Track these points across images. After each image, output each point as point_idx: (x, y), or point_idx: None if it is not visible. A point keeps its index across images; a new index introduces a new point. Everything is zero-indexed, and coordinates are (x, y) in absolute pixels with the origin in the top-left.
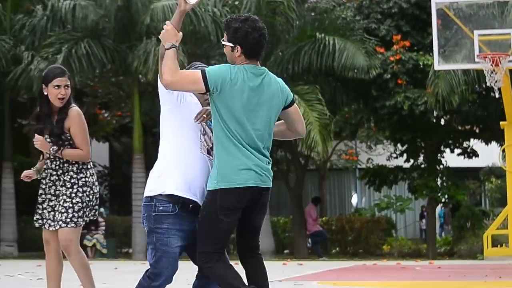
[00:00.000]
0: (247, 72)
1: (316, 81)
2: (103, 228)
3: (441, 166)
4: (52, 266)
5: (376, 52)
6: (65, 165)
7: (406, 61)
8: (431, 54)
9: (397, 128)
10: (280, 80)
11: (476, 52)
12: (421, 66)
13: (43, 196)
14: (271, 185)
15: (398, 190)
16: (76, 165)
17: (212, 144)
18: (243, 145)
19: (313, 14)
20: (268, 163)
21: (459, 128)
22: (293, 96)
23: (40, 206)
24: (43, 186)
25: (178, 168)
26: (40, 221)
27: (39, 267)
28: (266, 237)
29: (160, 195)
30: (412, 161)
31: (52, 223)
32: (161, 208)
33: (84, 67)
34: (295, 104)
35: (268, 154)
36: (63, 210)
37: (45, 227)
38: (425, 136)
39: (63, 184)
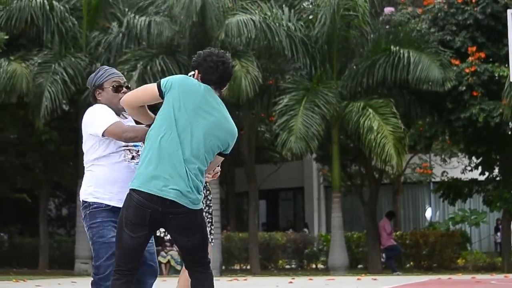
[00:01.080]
0: None
1: (391, 94)
2: None
3: None
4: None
5: (451, 64)
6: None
7: (481, 72)
8: (506, 65)
9: (472, 140)
10: None
11: None
12: (497, 78)
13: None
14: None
15: (473, 204)
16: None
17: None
18: None
19: (387, 27)
20: None
21: None
22: None
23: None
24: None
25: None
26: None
27: None
28: (340, 252)
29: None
30: (487, 173)
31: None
32: (95, 205)
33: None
34: None
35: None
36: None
37: None
38: (501, 148)
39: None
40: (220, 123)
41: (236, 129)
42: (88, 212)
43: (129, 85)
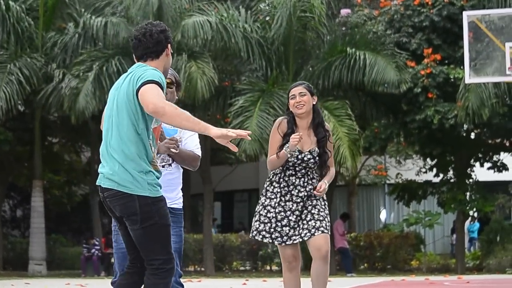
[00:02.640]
0: None
1: (346, 96)
2: None
3: (471, 180)
4: (298, 282)
5: (406, 66)
6: (313, 181)
7: (436, 74)
8: (462, 67)
9: (426, 142)
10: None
11: (508, 64)
12: (452, 80)
13: (283, 213)
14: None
15: (427, 205)
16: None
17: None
18: None
19: (344, 28)
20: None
21: (489, 141)
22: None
23: (279, 224)
24: (282, 203)
25: None
26: (279, 239)
27: (67, 286)
28: None
29: None
30: (441, 175)
31: (309, 232)
32: None
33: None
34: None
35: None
36: (321, 218)
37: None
38: (455, 150)
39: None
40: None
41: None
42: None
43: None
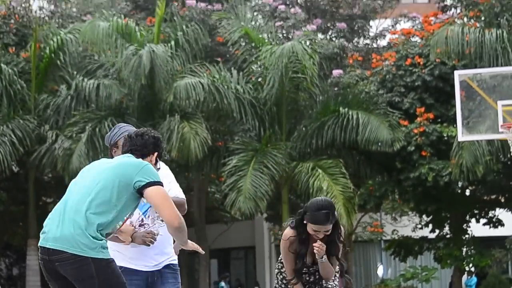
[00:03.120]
0: None
1: (340, 155)
2: None
3: (467, 236)
4: None
5: (399, 125)
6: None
7: (430, 133)
8: (455, 125)
9: (421, 199)
10: None
11: (500, 122)
12: (445, 138)
13: None
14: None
15: (424, 260)
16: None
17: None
18: None
19: (336, 89)
20: None
21: (484, 198)
22: None
23: None
24: None
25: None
26: None
27: None
28: None
29: None
30: (437, 231)
31: None
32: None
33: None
34: None
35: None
36: None
37: None
38: (450, 206)
39: None
40: None
41: None
42: None
43: None
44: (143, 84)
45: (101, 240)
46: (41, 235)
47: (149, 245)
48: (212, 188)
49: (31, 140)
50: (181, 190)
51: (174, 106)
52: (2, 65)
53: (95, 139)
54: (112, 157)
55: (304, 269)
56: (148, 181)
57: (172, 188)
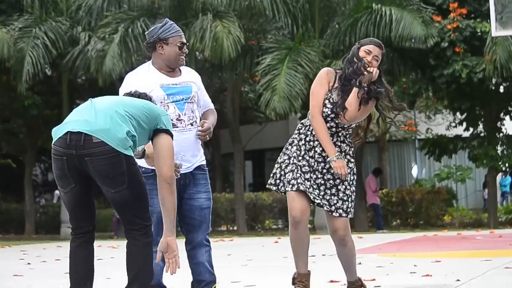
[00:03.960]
0: None
1: None
2: None
3: (501, 134)
4: (306, 239)
5: (433, 21)
6: (342, 144)
7: (463, 28)
8: (488, 21)
9: (455, 97)
10: None
11: None
12: (479, 34)
13: (307, 167)
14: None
15: (458, 160)
16: (351, 149)
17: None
18: None
19: None
20: None
21: None
22: None
23: (303, 176)
24: (307, 157)
25: None
26: (302, 186)
27: (99, 248)
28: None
29: None
30: (471, 129)
31: (329, 206)
32: (142, 169)
33: (141, 46)
34: None
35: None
36: (345, 198)
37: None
38: (484, 104)
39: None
40: None
41: None
42: None
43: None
44: None
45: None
46: (59, 127)
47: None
48: (246, 87)
49: (63, 42)
50: (209, 99)
51: (206, 4)
52: None
53: (127, 40)
54: (154, 50)
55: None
56: (167, 128)
57: (204, 96)
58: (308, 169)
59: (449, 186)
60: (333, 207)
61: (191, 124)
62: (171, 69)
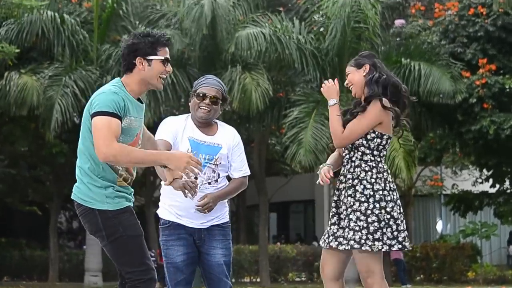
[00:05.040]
0: None
1: None
2: None
3: None
4: None
5: (461, 76)
6: (357, 169)
7: (492, 85)
8: None
9: (482, 153)
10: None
11: None
12: (508, 90)
13: (334, 209)
14: (75, 199)
15: (484, 216)
16: (370, 173)
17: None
18: None
19: (398, 39)
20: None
21: None
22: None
23: (329, 222)
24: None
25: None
26: (326, 238)
27: None
28: (350, 264)
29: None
30: (498, 186)
31: (342, 240)
32: (161, 221)
33: (170, 96)
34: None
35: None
36: (356, 228)
37: (331, 245)
38: (511, 160)
39: (351, 195)
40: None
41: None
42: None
43: (214, 97)
44: (204, 34)
45: (106, 188)
46: None
47: (185, 196)
48: (272, 140)
49: (93, 91)
50: (245, 163)
51: (235, 56)
52: (64, 15)
53: (156, 90)
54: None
55: None
56: (93, 111)
57: (236, 162)
58: (335, 210)
59: (473, 242)
60: (344, 240)
61: (209, 183)
62: (206, 124)
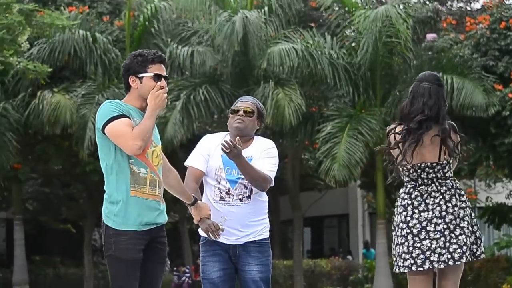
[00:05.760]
0: None
1: None
2: None
3: None
4: None
5: (494, 89)
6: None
7: None
8: None
9: None
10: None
11: None
12: None
13: (418, 225)
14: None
15: None
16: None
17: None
18: None
19: (430, 53)
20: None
21: None
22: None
23: (417, 238)
24: (416, 216)
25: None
26: (421, 255)
27: None
28: (385, 278)
29: None
30: None
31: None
32: (201, 238)
33: (203, 113)
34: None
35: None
36: (469, 234)
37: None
38: None
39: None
40: None
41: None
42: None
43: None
44: (236, 50)
45: (115, 203)
46: None
47: (209, 237)
48: (306, 155)
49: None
50: (273, 169)
51: (268, 72)
52: (96, 34)
53: (189, 107)
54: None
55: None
56: (101, 125)
57: (261, 163)
58: (420, 226)
59: (508, 255)
60: (465, 247)
61: (240, 200)
62: (243, 140)
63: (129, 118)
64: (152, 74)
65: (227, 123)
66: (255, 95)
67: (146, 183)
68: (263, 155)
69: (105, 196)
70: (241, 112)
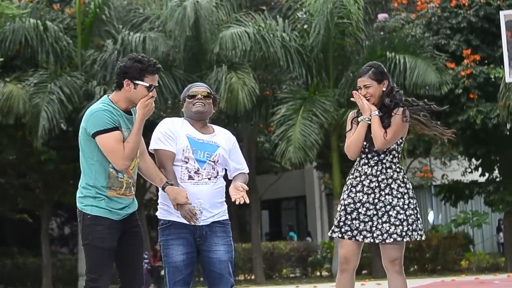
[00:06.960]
0: None
1: None
2: None
3: None
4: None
5: (446, 67)
6: (389, 170)
7: (477, 75)
8: (501, 66)
9: (470, 142)
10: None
11: None
12: (493, 79)
13: (352, 205)
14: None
15: (474, 205)
16: (402, 173)
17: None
18: None
19: (382, 33)
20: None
21: None
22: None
23: (349, 217)
24: (352, 194)
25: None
26: (349, 232)
27: None
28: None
29: None
30: (487, 175)
31: (381, 236)
32: (160, 221)
33: (156, 98)
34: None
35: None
36: (397, 223)
37: (356, 239)
38: (499, 149)
39: (389, 193)
40: None
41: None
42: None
43: (202, 95)
44: (188, 35)
45: (94, 198)
46: None
47: (189, 223)
48: (261, 138)
49: (79, 96)
50: (244, 161)
51: (220, 56)
52: (47, 22)
53: None
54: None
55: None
56: (94, 131)
57: (236, 159)
58: (354, 206)
59: (465, 231)
60: (385, 235)
61: (209, 179)
62: (202, 124)
63: (119, 129)
64: (147, 84)
65: (182, 110)
66: (208, 80)
67: (123, 186)
68: (234, 152)
69: (80, 182)
70: (199, 96)
